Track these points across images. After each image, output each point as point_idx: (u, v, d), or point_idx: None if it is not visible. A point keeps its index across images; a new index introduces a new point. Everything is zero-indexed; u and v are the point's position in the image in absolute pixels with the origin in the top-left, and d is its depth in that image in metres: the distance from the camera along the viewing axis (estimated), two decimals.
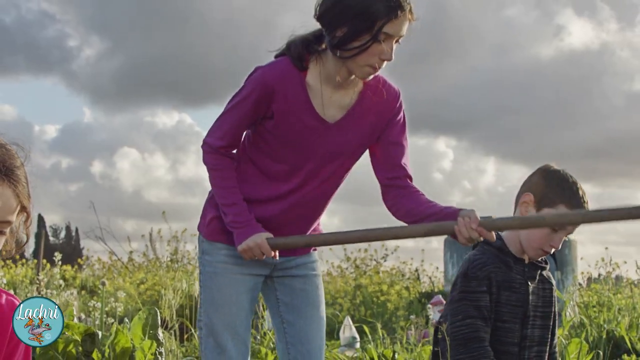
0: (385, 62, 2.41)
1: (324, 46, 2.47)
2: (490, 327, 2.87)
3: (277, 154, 2.54)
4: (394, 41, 2.38)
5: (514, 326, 2.94)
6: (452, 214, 2.45)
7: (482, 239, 2.45)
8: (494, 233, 2.51)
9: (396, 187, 2.59)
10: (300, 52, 2.46)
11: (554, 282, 3.10)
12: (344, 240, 2.64)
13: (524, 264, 2.98)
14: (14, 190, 1.75)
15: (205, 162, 2.56)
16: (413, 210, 2.53)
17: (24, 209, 1.80)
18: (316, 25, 2.48)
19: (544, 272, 3.06)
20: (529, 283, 3.01)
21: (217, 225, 2.60)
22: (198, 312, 2.64)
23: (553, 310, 3.08)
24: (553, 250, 2.98)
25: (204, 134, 2.59)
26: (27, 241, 1.90)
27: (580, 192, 2.92)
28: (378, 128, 2.58)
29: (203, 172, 2.92)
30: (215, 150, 2.52)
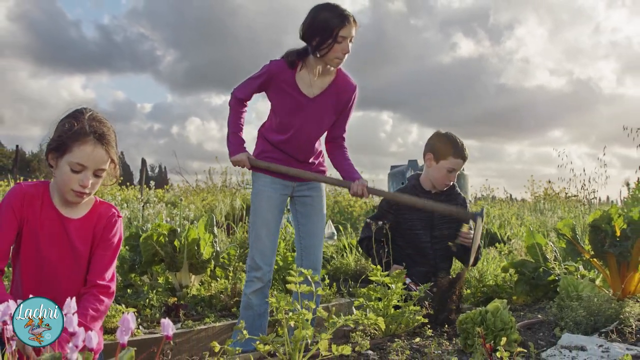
0: (346, 55, 2.42)
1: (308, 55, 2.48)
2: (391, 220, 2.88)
3: (280, 118, 2.53)
4: (349, 40, 2.41)
5: (425, 231, 2.92)
6: (353, 178, 2.55)
7: (365, 196, 2.52)
8: (369, 194, 2.52)
9: (336, 145, 2.63)
10: (294, 59, 2.48)
11: (460, 197, 2.99)
12: (296, 174, 2.55)
13: (430, 194, 2.94)
14: (105, 149, 1.71)
15: (230, 103, 2.54)
16: (341, 164, 2.61)
17: (112, 161, 1.75)
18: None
19: (453, 193, 2.98)
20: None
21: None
22: (249, 214, 2.60)
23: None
24: (452, 182, 2.96)
25: None
26: (118, 177, 1.80)
27: (460, 145, 2.86)
28: (340, 105, 2.56)
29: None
30: (238, 98, 2.52)
